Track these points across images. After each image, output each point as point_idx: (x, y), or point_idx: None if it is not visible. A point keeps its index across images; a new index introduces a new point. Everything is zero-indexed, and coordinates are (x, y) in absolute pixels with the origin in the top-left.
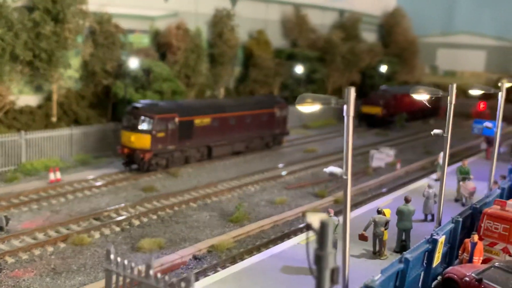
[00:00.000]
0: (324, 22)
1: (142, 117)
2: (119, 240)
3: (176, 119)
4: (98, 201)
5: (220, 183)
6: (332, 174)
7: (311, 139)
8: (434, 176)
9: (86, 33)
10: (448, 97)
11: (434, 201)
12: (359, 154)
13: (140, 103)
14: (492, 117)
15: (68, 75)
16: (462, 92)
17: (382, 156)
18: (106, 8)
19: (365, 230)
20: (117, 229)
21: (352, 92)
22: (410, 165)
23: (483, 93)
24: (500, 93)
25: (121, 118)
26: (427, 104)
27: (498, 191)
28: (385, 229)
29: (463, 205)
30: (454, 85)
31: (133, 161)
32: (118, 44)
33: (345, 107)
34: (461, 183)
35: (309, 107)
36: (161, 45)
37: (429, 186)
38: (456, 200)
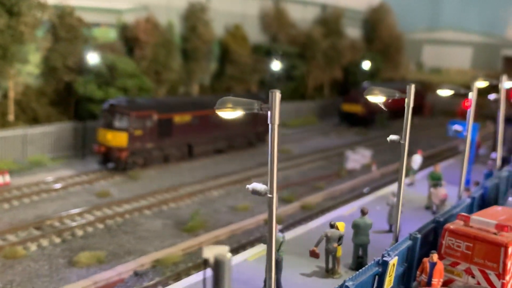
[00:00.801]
0: (306, 17)
1: (118, 114)
2: (57, 253)
3: (155, 117)
4: (46, 208)
5: (182, 187)
6: (255, 192)
7: (287, 138)
8: (406, 181)
9: (48, 27)
10: (406, 99)
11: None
12: (335, 155)
13: (117, 100)
14: (478, 116)
15: (28, 71)
16: None
17: (357, 157)
18: (69, 0)
19: (316, 246)
20: (58, 240)
21: (277, 97)
22: (386, 167)
23: (469, 91)
24: (470, 93)
25: (84, 117)
26: (382, 106)
27: (468, 200)
28: (339, 245)
29: (433, 213)
30: (413, 86)
31: (110, 160)
32: (81, 38)
33: (269, 113)
34: (431, 189)
35: (230, 113)
36: (129, 40)
37: (394, 194)
38: (427, 208)
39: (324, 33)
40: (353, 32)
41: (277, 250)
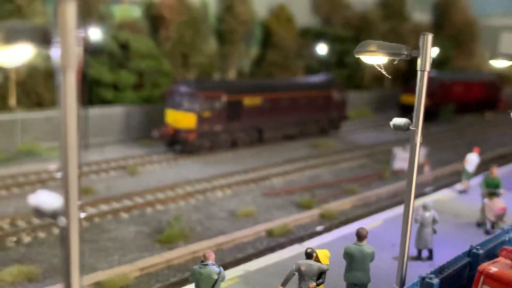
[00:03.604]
0: None
1: (187, 95)
2: None
3: (224, 98)
4: (5, 207)
5: (182, 185)
6: None
7: (330, 131)
8: (458, 186)
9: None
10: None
11: (433, 229)
12: (382, 152)
13: (185, 80)
14: None
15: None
16: None
17: (407, 156)
18: None
19: (283, 285)
20: None
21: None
22: (443, 168)
23: None
24: None
25: (96, 102)
26: (382, 70)
27: None
28: (319, 285)
29: (487, 232)
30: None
31: (177, 142)
32: (96, 15)
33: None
34: (485, 200)
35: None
36: (155, 19)
37: (425, 207)
38: (479, 225)
39: (384, 15)
40: (421, 16)
41: None
